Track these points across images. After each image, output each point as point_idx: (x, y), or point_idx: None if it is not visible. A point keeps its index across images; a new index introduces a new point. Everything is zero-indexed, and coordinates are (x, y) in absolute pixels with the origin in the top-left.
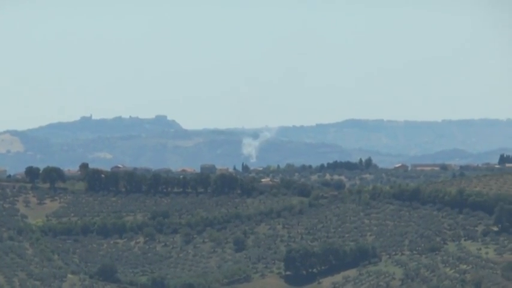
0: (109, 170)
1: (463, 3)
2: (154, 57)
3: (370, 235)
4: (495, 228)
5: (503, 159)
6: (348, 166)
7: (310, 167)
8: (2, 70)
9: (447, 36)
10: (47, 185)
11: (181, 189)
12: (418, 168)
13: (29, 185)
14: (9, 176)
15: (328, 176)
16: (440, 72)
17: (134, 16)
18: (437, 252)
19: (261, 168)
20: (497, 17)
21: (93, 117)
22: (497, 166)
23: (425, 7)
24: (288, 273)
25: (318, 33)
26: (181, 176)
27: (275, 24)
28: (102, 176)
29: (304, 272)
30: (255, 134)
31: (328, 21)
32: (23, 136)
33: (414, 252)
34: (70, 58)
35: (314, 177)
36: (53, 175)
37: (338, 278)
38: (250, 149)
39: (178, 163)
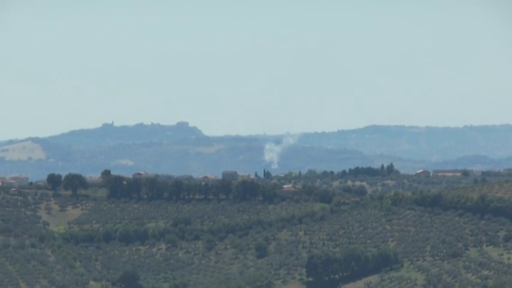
0: (131, 176)
1: (484, 6)
2: (176, 64)
3: (392, 241)
4: None
5: None
6: (370, 172)
7: (331, 173)
8: (24, 78)
9: (469, 42)
10: (69, 192)
11: (203, 196)
12: (440, 174)
13: (50, 192)
14: (31, 183)
15: (349, 182)
16: (461, 78)
17: (157, 25)
18: (459, 258)
19: (282, 175)
20: None
21: (115, 124)
22: None
23: (448, 12)
24: (310, 279)
25: (339, 39)
26: (203, 183)
27: (297, 32)
28: (124, 182)
29: (326, 278)
30: (276, 141)
31: (349, 28)
32: (45, 143)
33: (436, 258)
34: (92, 65)
35: (336, 184)
36: (75, 182)
37: (360, 284)
38: (271, 154)
39: (200, 170)
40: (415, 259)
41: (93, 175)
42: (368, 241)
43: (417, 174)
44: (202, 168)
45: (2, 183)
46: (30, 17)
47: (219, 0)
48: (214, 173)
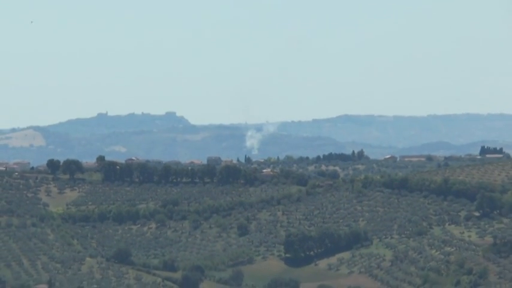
0: (123, 162)
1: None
2: (165, 57)
3: (362, 220)
4: (477, 214)
5: (484, 151)
6: (342, 158)
7: (307, 158)
8: (25, 71)
9: (430, 36)
10: (67, 176)
11: (189, 180)
12: (406, 159)
13: (50, 176)
14: (32, 168)
15: (323, 167)
16: (426, 71)
17: (147, 21)
18: (423, 235)
19: (262, 160)
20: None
21: (109, 114)
22: (478, 157)
23: (417, 8)
24: (287, 255)
25: (315, 37)
26: (189, 168)
27: (276, 29)
28: (117, 167)
29: (302, 255)
30: (257, 129)
31: (324, 27)
32: (45, 131)
33: (403, 235)
34: (88, 59)
35: (311, 168)
36: (72, 167)
37: (333, 260)
38: (252, 141)
39: (187, 156)
40: (384, 237)
41: (89, 161)
42: (340, 220)
43: (385, 160)
44: (189, 154)
45: (6, 168)
46: (30, 10)
47: None
48: (200, 159)
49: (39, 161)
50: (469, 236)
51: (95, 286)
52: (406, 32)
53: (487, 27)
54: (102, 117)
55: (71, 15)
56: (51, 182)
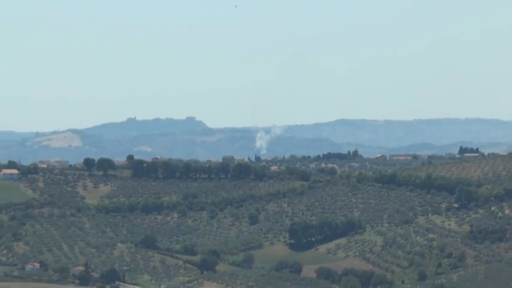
0: (150, 160)
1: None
2: (185, 70)
3: (357, 211)
4: (456, 205)
5: (462, 150)
6: (339, 156)
7: (309, 157)
8: (65, 81)
9: (418, 52)
10: (101, 173)
11: (207, 176)
12: (395, 157)
13: (86, 173)
14: (71, 165)
15: (323, 165)
16: (412, 80)
17: (171, 41)
18: (410, 224)
19: (270, 159)
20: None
21: (137, 119)
22: (457, 156)
23: (406, 23)
24: (291, 241)
25: (316, 51)
26: (207, 165)
27: (282, 45)
28: (144, 165)
29: (304, 241)
30: (265, 131)
31: (325, 44)
32: (82, 134)
33: (392, 224)
34: (120, 71)
35: (312, 165)
36: (105, 165)
37: (331, 245)
38: (261, 142)
39: (204, 155)
40: (375, 225)
41: (119, 159)
42: (338, 211)
43: (376, 158)
44: (206, 154)
45: (48, 165)
46: (64, 23)
47: (219, 14)
48: (216, 157)
49: (77, 160)
50: (449, 225)
51: (125, 268)
52: (393, 47)
53: (468, 41)
54: (131, 122)
55: (104, 35)
56: (87, 178)
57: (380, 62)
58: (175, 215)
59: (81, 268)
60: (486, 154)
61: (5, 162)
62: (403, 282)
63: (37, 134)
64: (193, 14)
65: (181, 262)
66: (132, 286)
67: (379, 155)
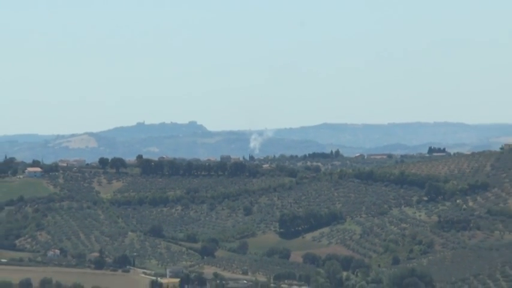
0: (157, 159)
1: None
2: (187, 79)
3: (338, 203)
4: (425, 198)
5: (431, 150)
6: (323, 156)
7: (296, 156)
8: (81, 89)
9: (390, 62)
10: (114, 170)
11: (207, 173)
12: (372, 157)
13: (101, 170)
14: (87, 164)
15: (309, 163)
16: (387, 89)
17: (175, 50)
18: (385, 215)
19: (262, 158)
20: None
21: (145, 123)
22: (427, 155)
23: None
24: (281, 230)
25: (302, 63)
26: (207, 164)
27: (273, 59)
28: (152, 163)
29: (292, 230)
30: (258, 134)
31: (309, 56)
32: (97, 136)
33: (369, 215)
34: (131, 81)
35: (299, 164)
36: (118, 163)
37: (316, 233)
38: (255, 143)
39: (205, 154)
40: (355, 216)
41: (130, 158)
42: (322, 204)
43: (356, 157)
44: (206, 154)
45: (67, 164)
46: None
47: (223, 24)
48: (215, 157)
49: (93, 159)
50: (420, 216)
51: (135, 254)
52: (368, 58)
53: (434, 51)
54: (140, 126)
55: (115, 44)
56: (102, 175)
57: (359, 72)
58: (179, 208)
59: (96, 254)
60: (452, 153)
61: (30, 161)
62: (379, 266)
63: (58, 137)
64: (194, 26)
65: (184, 249)
66: (141, 270)
67: (358, 155)
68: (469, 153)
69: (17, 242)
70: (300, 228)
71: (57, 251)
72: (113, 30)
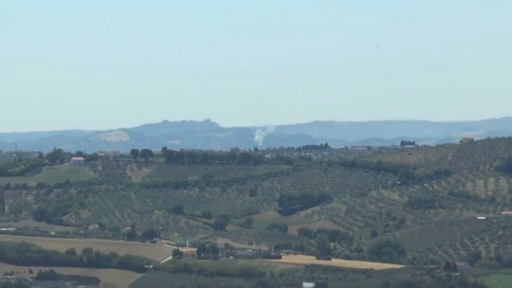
0: (178, 150)
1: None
2: (204, 83)
3: (327, 186)
4: (398, 182)
5: (403, 143)
6: (314, 148)
7: (292, 148)
8: (119, 90)
9: (372, 66)
10: (143, 160)
11: (219, 161)
12: (354, 148)
13: (132, 159)
14: (121, 154)
15: (302, 153)
16: (367, 91)
17: (192, 56)
18: (365, 196)
19: (264, 149)
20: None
21: (169, 121)
22: (399, 147)
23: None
24: (280, 208)
25: (296, 66)
26: (219, 154)
27: (273, 61)
28: (174, 154)
29: (289, 208)
30: (262, 129)
31: (305, 59)
32: (129, 131)
33: (352, 196)
34: (156, 84)
35: (295, 154)
36: (146, 154)
37: (309, 211)
38: (259, 137)
39: (218, 146)
40: (341, 197)
41: (156, 150)
42: (313, 186)
43: (341, 149)
44: (219, 146)
45: (105, 154)
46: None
47: (231, 33)
48: (226, 148)
49: (126, 150)
50: (394, 196)
51: (160, 228)
52: (355, 62)
53: (405, 54)
54: (165, 123)
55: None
56: (133, 163)
57: (343, 75)
58: (197, 190)
59: (128, 228)
60: (420, 146)
61: (74, 152)
62: (360, 238)
63: (97, 132)
64: (204, 39)
65: (200, 223)
66: (165, 241)
67: (343, 147)
68: (434, 145)
69: (63, 218)
70: (295, 207)
71: (97, 226)
72: (151, 44)
